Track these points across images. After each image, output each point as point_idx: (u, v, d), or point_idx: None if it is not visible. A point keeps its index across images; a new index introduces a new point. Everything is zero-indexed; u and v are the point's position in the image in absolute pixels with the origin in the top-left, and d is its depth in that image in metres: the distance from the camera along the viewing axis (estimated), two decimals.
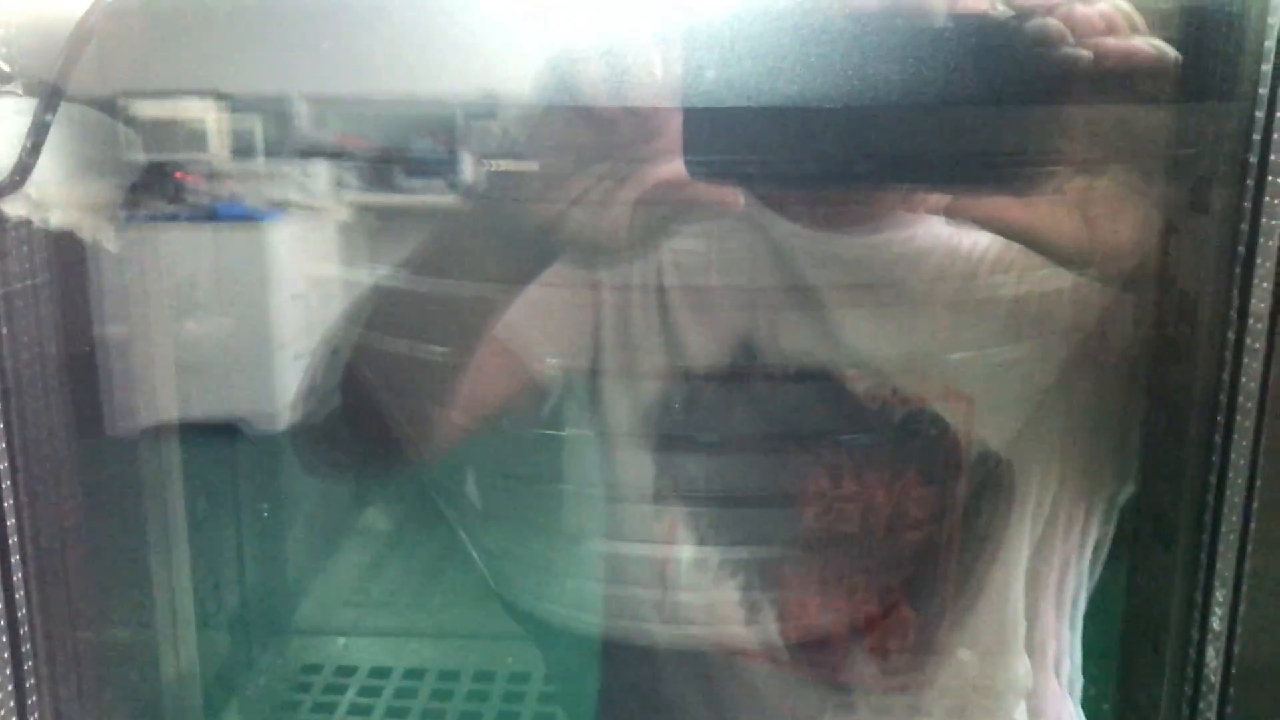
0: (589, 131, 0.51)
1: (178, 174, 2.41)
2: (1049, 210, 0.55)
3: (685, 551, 0.72)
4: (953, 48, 0.50)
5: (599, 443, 0.73)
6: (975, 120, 0.52)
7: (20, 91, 0.59)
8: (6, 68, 0.58)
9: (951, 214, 0.57)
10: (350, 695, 1.57)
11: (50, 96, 0.58)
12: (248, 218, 2.55)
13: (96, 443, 0.77)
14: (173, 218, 2.36)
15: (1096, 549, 0.73)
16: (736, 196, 0.54)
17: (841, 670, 0.69)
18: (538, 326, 0.68)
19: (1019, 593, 0.72)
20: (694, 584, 0.72)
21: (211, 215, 2.44)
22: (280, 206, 2.65)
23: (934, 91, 0.51)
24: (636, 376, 0.70)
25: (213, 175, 2.44)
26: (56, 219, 0.62)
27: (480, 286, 0.58)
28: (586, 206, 0.56)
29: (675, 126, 0.52)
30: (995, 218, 0.56)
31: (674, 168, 0.54)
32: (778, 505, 0.69)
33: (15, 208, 0.59)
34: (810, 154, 0.52)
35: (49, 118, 0.58)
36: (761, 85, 0.51)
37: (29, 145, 0.58)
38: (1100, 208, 0.55)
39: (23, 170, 0.58)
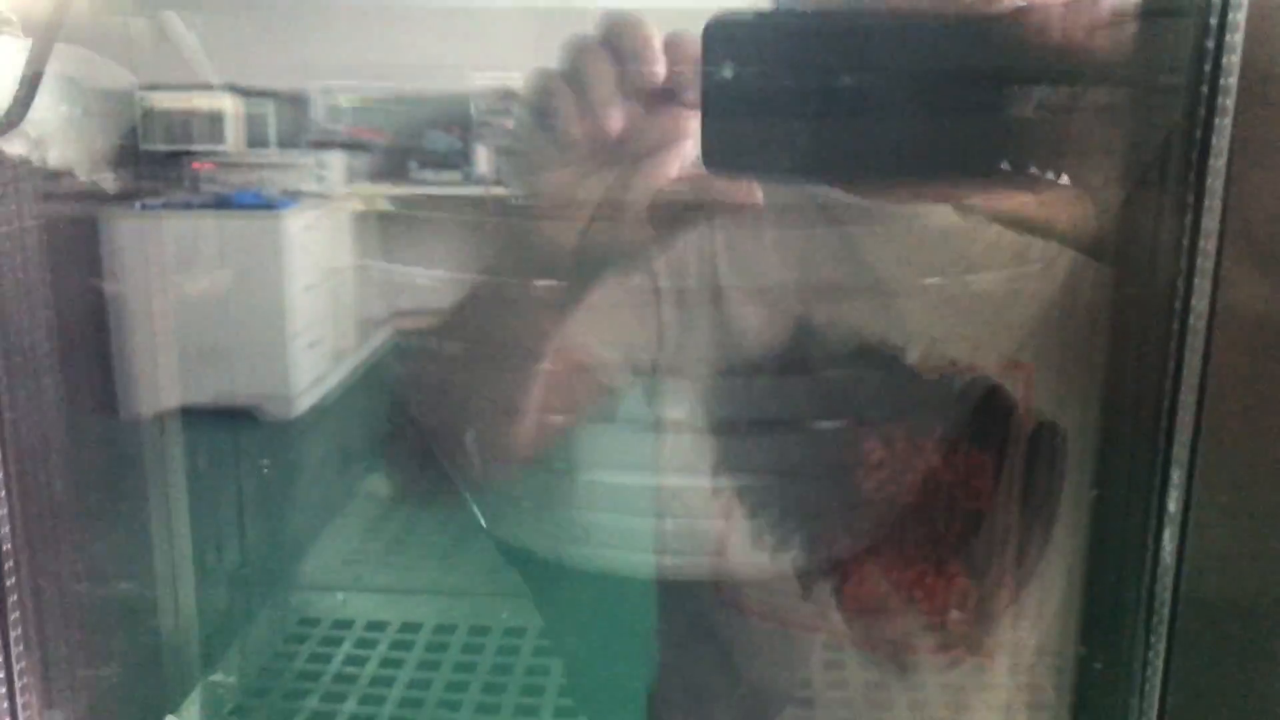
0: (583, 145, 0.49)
1: (195, 165, 2.41)
2: (1059, 199, 0.53)
3: (741, 526, 0.70)
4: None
5: (654, 425, 0.73)
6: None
7: (20, 33, 0.57)
8: (6, 11, 0.55)
9: (960, 207, 0.55)
10: (346, 647, 1.56)
11: (46, 32, 0.55)
12: (264, 206, 2.54)
13: (108, 420, 0.76)
14: (187, 205, 2.35)
15: None
16: (755, 191, 0.52)
17: (900, 642, 0.67)
18: (600, 332, 0.67)
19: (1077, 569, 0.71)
20: (751, 559, 0.70)
21: (226, 203, 2.43)
22: (295, 196, 2.64)
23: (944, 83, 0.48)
24: (692, 362, 0.70)
25: (228, 164, 2.43)
26: (54, 158, 0.60)
27: (535, 303, 0.57)
28: (602, 220, 0.54)
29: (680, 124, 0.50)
30: (1006, 212, 0.54)
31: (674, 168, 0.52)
32: (836, 478, 0.68)
33: (14, 146, 0.57)
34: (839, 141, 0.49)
35: (45, 54, 0.55)
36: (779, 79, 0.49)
37: (27, 78, 0.55)
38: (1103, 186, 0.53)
39: (22, 105, 0.55)
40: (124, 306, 0.83)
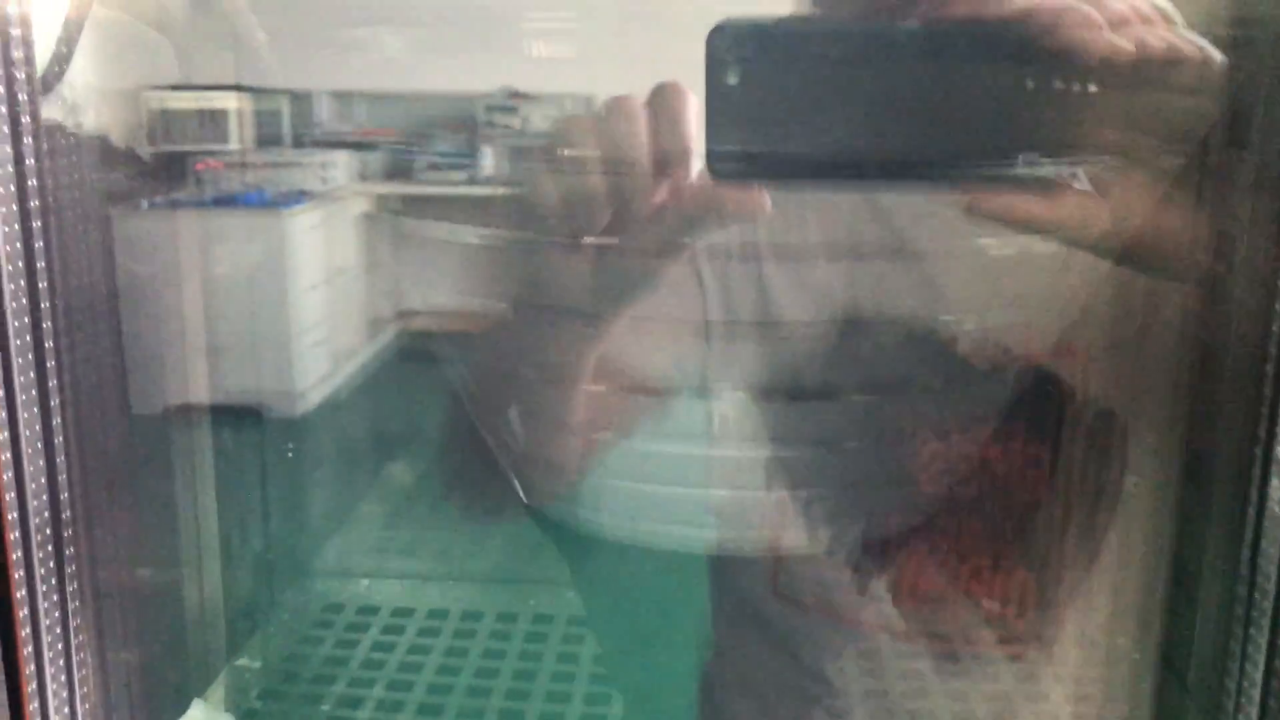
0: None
1: (199, 165, 2.40)
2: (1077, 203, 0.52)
3: (794, 508, 0.70)
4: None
5: (702, 437, 0.73)
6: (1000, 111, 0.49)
7: None
8: None
9: (972, 212, 0.54)
10: (373, 634, 1.54)
11: None
12: (268, 205, 2.53)
13: (130, 416, 0.75)
14: (193, 204, 2.34)
15: None
16: (763, 199, 0.51)
17: (957, 637, 0.66)
18: (643, 347, 0.66)
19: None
20: (805, 542, 0.69)
21: (231, 203, 2.42)
22: (301, 195, 2.63)
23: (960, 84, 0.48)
24: (739, 359, 0.70)
25: (235, 163, 2.42)
26: (90, 121, 0.59)
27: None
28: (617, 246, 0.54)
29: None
30: (1020, 215, 0.53)
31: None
32: (888, 467, 0.67)
33: (51, 110, 0.55)
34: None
35: (85, 9, 0.54)
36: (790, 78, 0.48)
37: (65, 35, 0.54)
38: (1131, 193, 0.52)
39: (60, 63, 0.54)
40: (133, 303, 0.82)
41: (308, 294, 2.54)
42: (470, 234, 0.62)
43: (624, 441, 0.70)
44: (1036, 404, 0.66)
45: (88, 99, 0.62)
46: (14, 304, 0.48)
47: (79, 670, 0.55)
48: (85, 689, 0.56)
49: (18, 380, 0.50)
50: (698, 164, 0.51)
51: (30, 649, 0.51)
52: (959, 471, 0.67)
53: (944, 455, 0.67)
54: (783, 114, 0.52)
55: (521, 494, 0.68)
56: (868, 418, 0.68)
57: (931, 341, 0.67)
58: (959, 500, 0.68)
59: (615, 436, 0.68)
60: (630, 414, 0.69)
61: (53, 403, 0.51)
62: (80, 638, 0.55)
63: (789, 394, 0.68)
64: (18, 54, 0.48)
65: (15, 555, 0.50)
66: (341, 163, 2.76)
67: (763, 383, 0.70)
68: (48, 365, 0.50)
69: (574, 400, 0.63)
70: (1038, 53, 0.48)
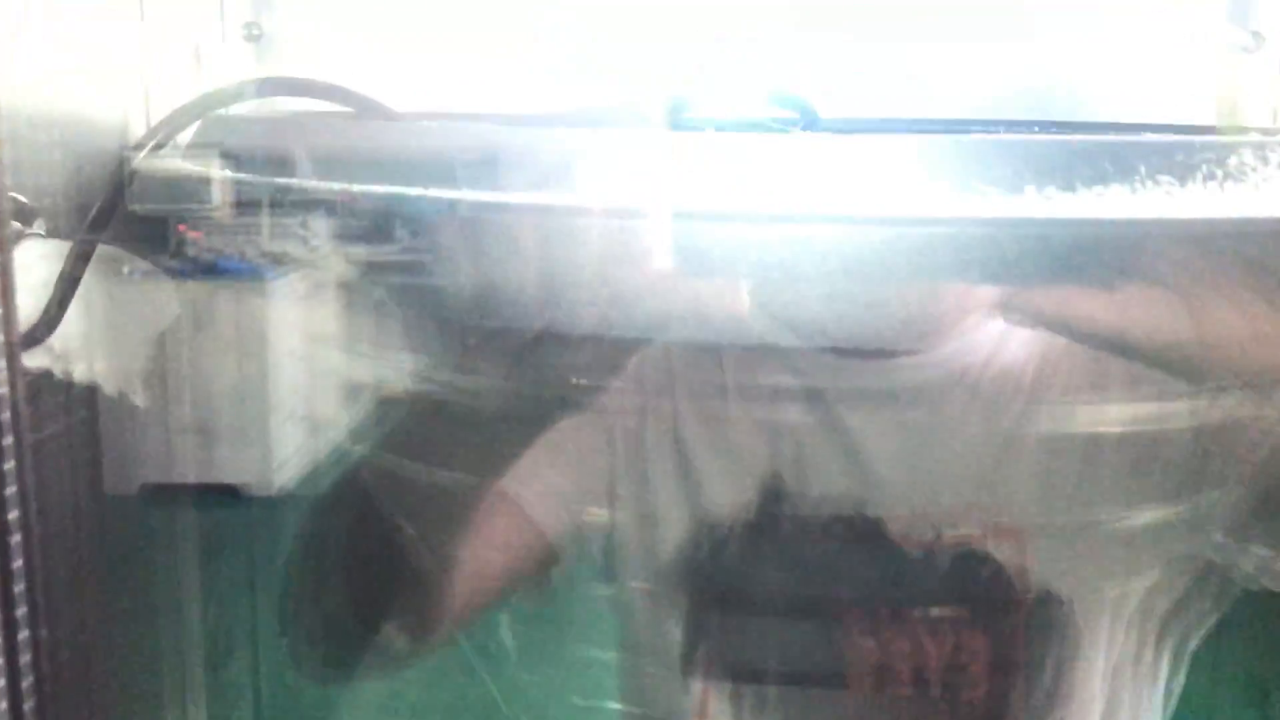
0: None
1: (181, 226, 2.39)
2: (1145, 303, 0.44)
3: (722, 701, 0.67)
4: None
5: (617, 606, 0.67)
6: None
7: (44, 233, 0.59)
8: (27, 201, 0.57)
9: (1011, 312, 0.46)
10: None
11: (82, 246, 0.56)
12: (251, 274, 2.50)
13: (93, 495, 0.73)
14: (175, 273, 2.34)
15: (1166, 697, 0.68)
16: (740, 298, 0.49)
17: None
18: (549, 481, 0.63)
19: None
20: None
21: (213, 271, 2.40)
22: (284, 264, 2.63)
23: None
24: (655, 530, 0.65)
25: (216, 230, 2.40)
26: (80, 372, 0.62)
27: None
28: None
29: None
30: (1073, 316, 0.45)
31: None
32: (818, 669, 0.63)
33: (36, 359, 0.58)
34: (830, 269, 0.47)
35: (80, 269, 0.57)
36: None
37: (56, 299, 0.57)
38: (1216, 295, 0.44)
39: (48, 325, 0.57)
40: (110, 376, 0.82)
41: (288, 365, 2.53)
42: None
43: (513, 604, 0.67)
44: (974, 591, 0.62)
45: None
46: None
47: None
48: None
49: None
50: None
51: None
52: (895, 670, 0.63)
53: (878, 651, 0.63)
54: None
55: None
56: (790, 602, 0.65)
57: (859, 521, 0.64)
58: (896, 700, 0.65)
59: (504, 585, 0.65)
60: (522, 560, 0.65)
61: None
62: None
63: (705, 570, 0.64)
64: None
65: None
66: (323, 226, 2.74)
67: (676, 557, 0.66)
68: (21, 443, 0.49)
69: (466, 526, 0.59)
70: None
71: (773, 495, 0.64)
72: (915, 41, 0.80)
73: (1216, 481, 0.58)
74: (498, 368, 0.49)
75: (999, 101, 0.84)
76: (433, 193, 0.39)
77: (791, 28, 0.79)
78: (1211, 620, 0.64)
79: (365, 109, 0.59)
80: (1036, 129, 0.82)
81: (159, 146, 0.55)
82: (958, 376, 0.60)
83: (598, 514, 0.65)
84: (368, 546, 0.58)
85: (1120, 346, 0.46)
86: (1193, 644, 0.66)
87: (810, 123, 0.73)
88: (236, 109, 0.65)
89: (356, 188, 0.45)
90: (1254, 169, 0.34)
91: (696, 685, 0.65)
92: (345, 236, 0.95)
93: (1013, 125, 0.81)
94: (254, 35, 0.78)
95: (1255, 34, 0.85)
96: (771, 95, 0.70)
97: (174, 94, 0.77)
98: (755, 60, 0.78)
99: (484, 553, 0.61)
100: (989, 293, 0.54)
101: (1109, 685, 0.63)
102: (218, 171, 0.62)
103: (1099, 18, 0.86)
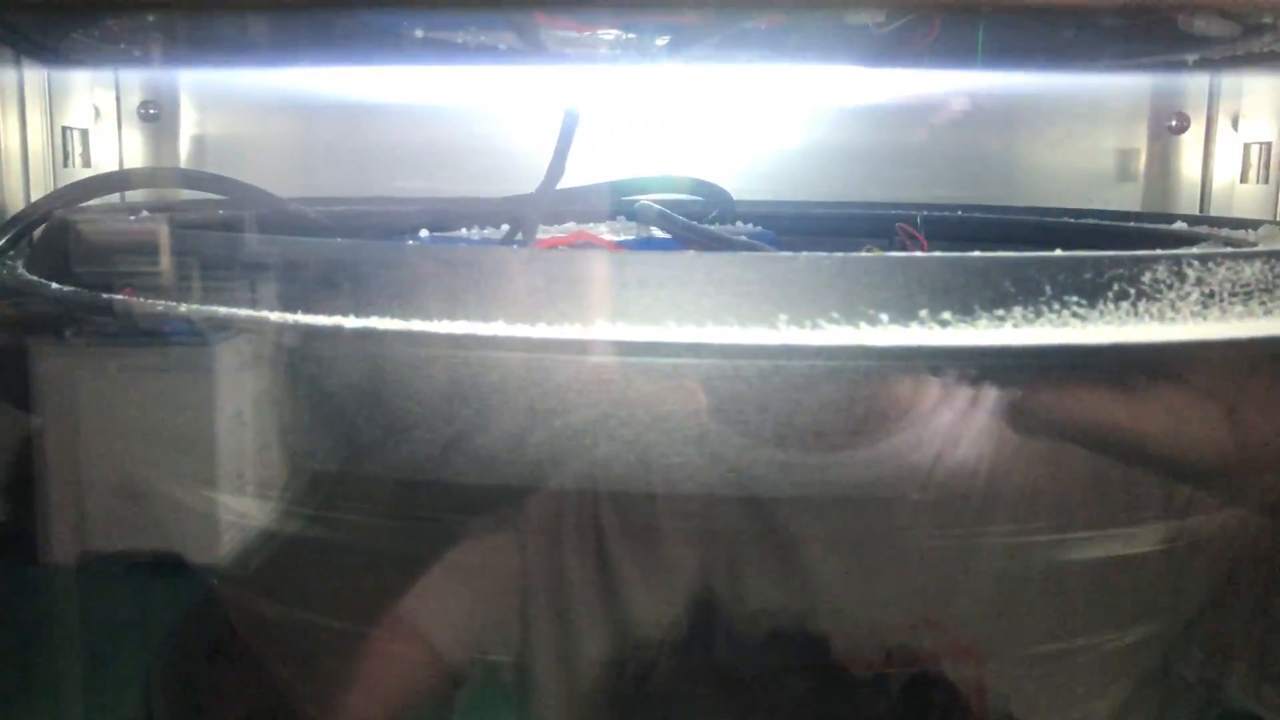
0: None
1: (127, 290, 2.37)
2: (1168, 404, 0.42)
3: None
4: None
5: None
6: None
7: None
8: None
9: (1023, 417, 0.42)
10: None
11: None
12: (194, 336, 2.49)
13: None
14: (115, 337, 2.31)
15: None
16: None
17: None
18: (452, 606, 0.58)
19: None
20: None
21: (157, 335, 2.38)
22: (228, 325, 2.61)
23: None
24: (575, 654, 0.60)
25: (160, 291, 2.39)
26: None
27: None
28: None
29: None
30: (1093, 419, 0.40)
31: None
32: None
33: None
34: None
35: None
36: None
37: None
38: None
39: None
40: (49, 444, 0.79)
41: (232, 430, 2.50)
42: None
43: None
44: (928, 717, 0.58)
45: None
46: None
47: None
48: None
49: None
50: None
51: None
52: None
53: None
54: None
55: None
56: None
57: (800, 638, 0.60)
58: None
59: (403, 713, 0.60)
60: (411, 692, 0.60)
61: None
62: None
63: (631, 697, 0.60)
64: None
65: None
66: (268, 288, 2.73)
67: (598, 683, 0.61)
68: None
69: (348, 657, 0.54)
70: None
71: (705, 610, 0.61)
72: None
73: (1199, 600, 0.55)
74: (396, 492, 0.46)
75: (934, 183, 0.83)
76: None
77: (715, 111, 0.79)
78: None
79: (245, 197, 0.56)
80: (960, 212, 0.81)
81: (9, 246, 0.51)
82: (905, 474, 0.57)
83: (509, 639, 0.61)
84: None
85: (1139, 453, 0.42)
86: None
87: (726, 210, 0.71)
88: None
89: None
90: (1169, 285, 0.31)
91: None
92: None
93: (942, 208, 0.80)
94: (150, 115, 0.75)
95: (1179, 114, 0.85)
96: (693, 184, 0.68)
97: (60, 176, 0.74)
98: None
99: (370, 680, 0.58)
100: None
101: None
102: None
103: (1031, 102, 0.86)
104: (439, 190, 0.78)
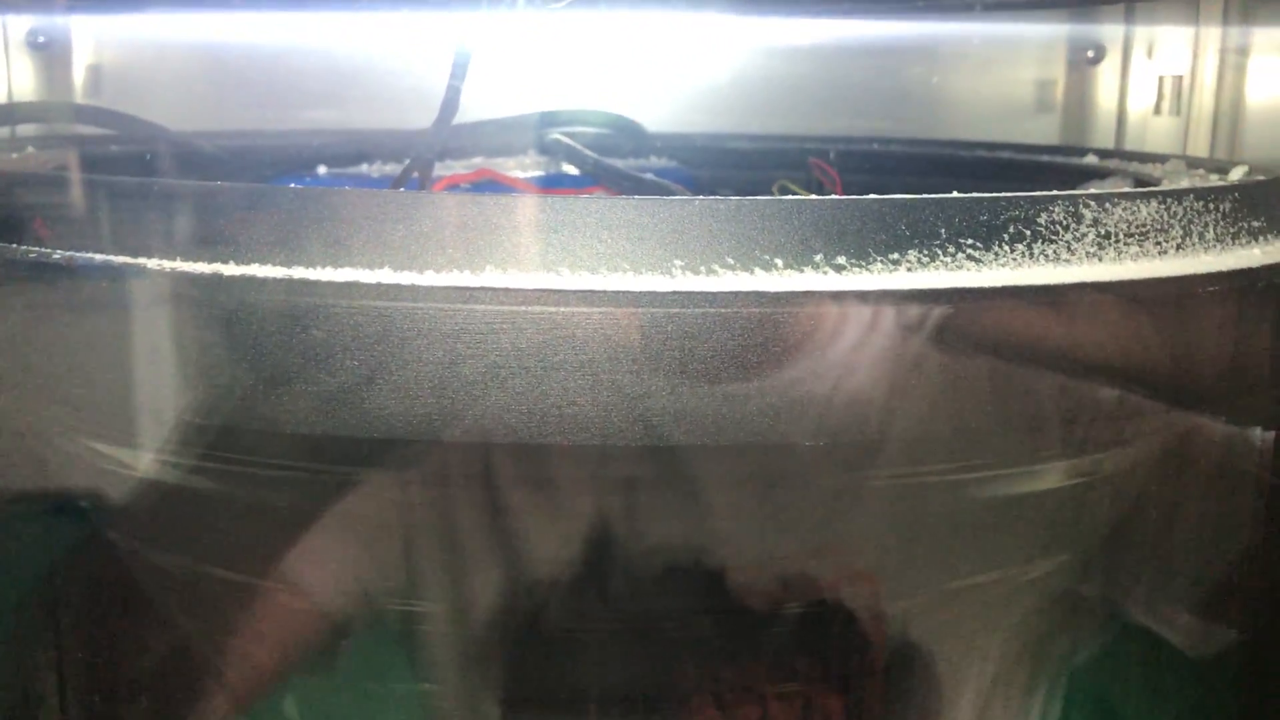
0: None
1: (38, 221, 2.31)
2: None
3: None
4: None
5: (422, 690, 0.62)
6: None
7: None
8: None
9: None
10: None
11: None
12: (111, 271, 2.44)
13: None
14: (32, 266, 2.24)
15: None
16: None
17: None
18: (336, 555, 0.57)
19: None
20: None
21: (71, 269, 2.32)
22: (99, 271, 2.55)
23: None
24: (467, 600, 0.60)
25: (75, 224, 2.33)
26: None
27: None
28: None
29: None
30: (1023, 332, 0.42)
31: None
32: None
33: None
34: None
35: None
36: None
37: None
38: None
39: None
40: None
41: (119, 377, 2.44)
42: None
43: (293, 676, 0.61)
44: (826, 644, 0.60)
45: None
46: None
47: None
48: None
49: None
50: None
51: None
52: None
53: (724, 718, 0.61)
54: None
55: None
56: (622, 666, 0.62)
57: (698, 575, 0.61)
58: None
59: (270, 669, 0.59)
60: (291, 637, 0.59)
61: None
62: None
63: (523, 636, 0.60)
64: None
65: None
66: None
67: (491, 619, 0.61)
68: None
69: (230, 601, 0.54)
70: None
71: (601, 545, 0.61)
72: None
73: (1101, 533, 0.56)
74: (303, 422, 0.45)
75: (854, 114, 0.83)
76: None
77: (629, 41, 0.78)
78: (1090, 652, 0.63)
79: (133, 131, 0.54)
80: (876, 145, 0.81)
81: None
82: (802, 404, 0.57)
83: (401, 587, 0.60)
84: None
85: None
86: (1067, 672, 0.65)
87: (640, 144, 0.70)
88: None
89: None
90: (1065, 227, 0.31)
91: None
92: None
93: (858, 141, 0.80)
94: (39, 44, 0.71)
95: (1096, 45, 0.85)
96: (606, 118, 0.67)
97: None
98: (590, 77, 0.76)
99: (257, 639, 0.57)
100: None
101: None
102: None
103: (951, 33, 0.85)
104: (351, 123, 0.76)
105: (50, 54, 0.75)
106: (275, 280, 0.30)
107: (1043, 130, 0.88)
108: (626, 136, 0.68)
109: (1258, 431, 0.52)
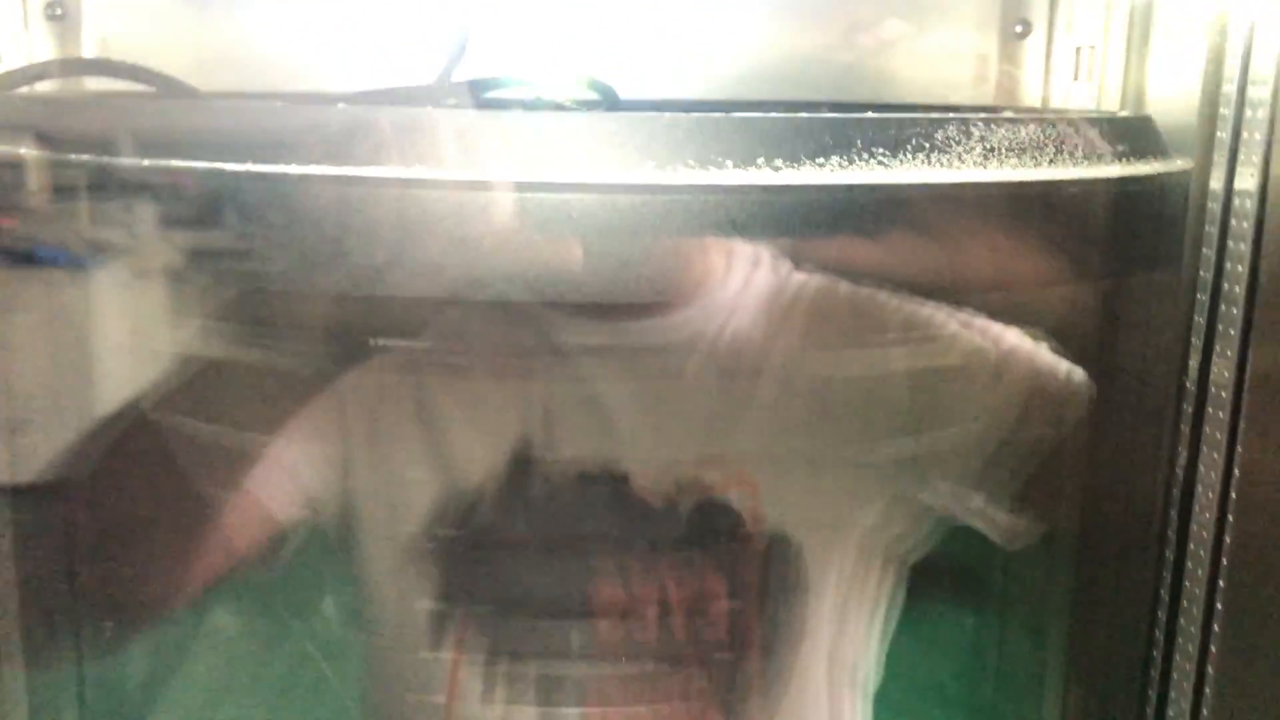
0: None
1: None
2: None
3: (473, 670, 0.67)
4: None
5: (359, 584, 0.67)
6: None
7: None
8: None
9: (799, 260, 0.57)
10: None
11: None
12: (70, 263, 2.42)
13: None
14: None
15: (888, 615, 0.74)
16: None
17: None
18: (276, 456, 0.62)
19: (821, 677, 0.72)
20: (485, 702, 0.67)
21: (30, 259, 2.31)
22: (106, 251, 2.54)
23: None
24: (399, 501, 0.65)
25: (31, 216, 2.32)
26: None
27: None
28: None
29: None
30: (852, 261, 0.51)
31: None
32: (567, 618, 0.66)
33: None
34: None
35: None
36: None
37: None
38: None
39: None
40: None
41: (113, 359, 2.44)
42: None
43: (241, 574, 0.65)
44: (712, 538, 0.67)
45: None
46: None
47: None
48: None
49: None
50: None
51: None
52: (641, 612, 0.66)
53: (623, 597, 0.66)
54: None
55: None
56: (541, 562, 0.66)
57: (606, 477, 0.66)
58: (644, 643, 0.68)
59: (226, 563, 0.64)
60: (243, 535, 0.65)
61: None
62: None
63: (453, 539, 0.65)
64: None
65: None
66: (148, 211, 2.66)
67: (422, 528, 0.66)
68: None
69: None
70: None
71: (522, 457, 0.66)
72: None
73: (938, 426, 0.65)
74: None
75: (799, 83, 0.89)
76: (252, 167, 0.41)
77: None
78: (931, 543, 0.71)
79: (168, 88, 0.60)
80: (824, 109, 0.88)
81: None
82: (697, 339, 0.65)
83: (334, 488, 0.65)
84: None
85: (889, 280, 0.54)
86: (912, 560, 0.73)
87: (612, 104, 0.76)
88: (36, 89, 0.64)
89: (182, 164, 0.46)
90: (957, 142, 0.39)
91: (446, 661, 0.66)
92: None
93: (800, 105, 0.86)
94: (56, 15, 0.77)
95: (1024, 21, 0.93)
96: (579, 79, 0.73)
97: None
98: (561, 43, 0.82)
99: (208, 530, 0.61)
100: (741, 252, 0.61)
101: (839, 612, 0.69)
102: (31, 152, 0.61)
103: (896, 7, 0.92)
104: (352, 87, 0.81)
105: (64, 25, 0.81)
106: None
107: (980, 100, 0.95)
108: (602, 99, 0.74)
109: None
